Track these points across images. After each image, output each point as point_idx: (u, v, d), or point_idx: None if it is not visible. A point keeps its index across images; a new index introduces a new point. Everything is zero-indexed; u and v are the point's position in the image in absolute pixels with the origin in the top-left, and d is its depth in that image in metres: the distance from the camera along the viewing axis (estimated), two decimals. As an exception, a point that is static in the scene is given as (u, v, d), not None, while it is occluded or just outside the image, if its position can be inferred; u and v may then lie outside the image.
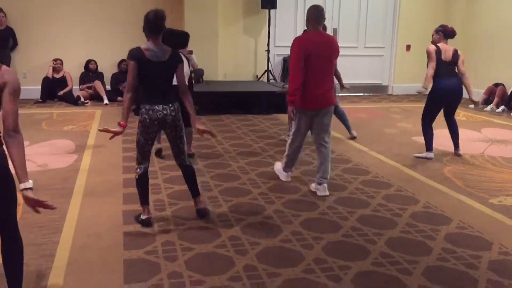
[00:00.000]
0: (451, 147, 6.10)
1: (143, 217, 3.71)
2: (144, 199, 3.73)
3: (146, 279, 2.93)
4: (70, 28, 9.39)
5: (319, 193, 4.46)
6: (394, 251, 3.37)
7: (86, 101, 8.91)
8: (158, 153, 5.51)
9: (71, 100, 8.85)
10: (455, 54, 5.60)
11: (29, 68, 9.34)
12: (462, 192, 4.61)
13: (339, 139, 6.63)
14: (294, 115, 4.44)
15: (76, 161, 5.33)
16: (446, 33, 5.70)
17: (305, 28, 4.76)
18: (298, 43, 4.35)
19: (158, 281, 2.92)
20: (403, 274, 3.07)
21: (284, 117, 7.99)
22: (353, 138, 6.61)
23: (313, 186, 4.58)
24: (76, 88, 9.19)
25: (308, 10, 4.48)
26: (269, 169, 5.16)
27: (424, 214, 4.07)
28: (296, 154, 4.76)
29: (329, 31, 10.45)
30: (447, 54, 5.57)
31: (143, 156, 3.69)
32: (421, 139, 6.61)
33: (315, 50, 4.30)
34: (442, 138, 6.70)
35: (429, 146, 5.75)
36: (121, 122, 3.49)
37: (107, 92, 9.11)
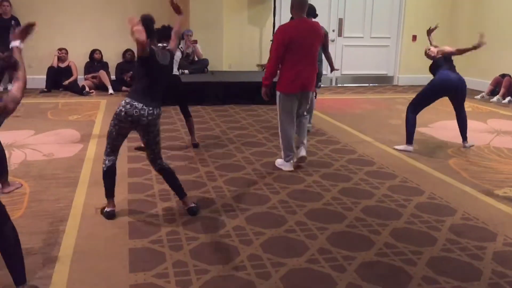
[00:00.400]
0: (455, 138, 6.09)
1: (107, 209, 3.65)
2: (109, 191, 3.67)
3: (151, 268, 2.95)
4: (75, 17, 9.37)
5: (300, 154, 4.86)
6: (399, 241, 3.38)
7: (91, 91, 8.92)
8: (141, 149, 5.29)
9: (76, 89, 8.86)
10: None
11: (34, 58, 9.32)
12: (467, 183, 4.60)
13: (345, 130, 6.62)
14: (268, 96, 4.79)
15: (81, 151, 5.35)
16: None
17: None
18: (281, 31, 4.61)
19: (163, 270, 2.94)
20: (408, 264, 3.07)
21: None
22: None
23: (296, 158, 4.90)
24: (81, 78, 9.19)
25: None
26: (274, 159, 5.16)
27: (428, 205, 4.06)
28: (291, 139, 4.84)
29: (335, 21, 10.45)
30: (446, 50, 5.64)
31: (112, 149, 3.63)
32: (427, 130, 6.60)
33: (299, 37, 4.51)
34: (447, 130, 6.68)
35: (410, 138, 5.68)
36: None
37: (112, 82, 9.11)
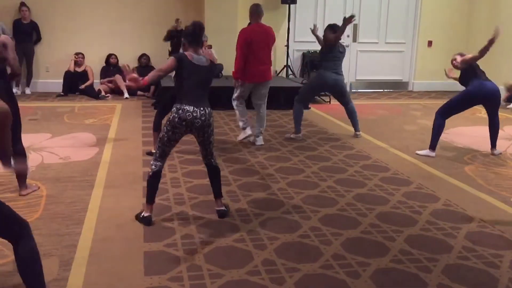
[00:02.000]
0: (472, 145, 6.03)
1: (145, 214, 3.64)
2: (150, 196, 3.65)
3: (166, 271, 2.96)
4: (92, 22, 9.49)
5: (257, 143, 5.93)
6: (414, 248, 3.35)
7: (107, 95, 9.00)
8: (151, 154, 5.29)
9: (92, 93, 8.95)
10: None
11: (51, 62, 9.48)
12: (484, 191, 4.55)
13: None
14: (238, 85, 5.86)
15: (97, 154, 5.40)
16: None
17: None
18: (244, 33, 5.75)
19: (177, 273, 2.95)
20: (423, 271, 3.05)
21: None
22: (356, 137, 6.46)
23: (251, 139, 5.99)
24: (97, 82, 9.29)
25: (250, 7, 5.87)
26: (288, 165, 5.17)
27: (444, 212, 4.03)
28: (245, 112, 6.01)
29: (349, 27, 10.33)
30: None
31: (161, 154, 3.64)
32: (443, 136, 6.48)
33: (256, 38, 5.67)
34: (464, 136, 6.63)
35: (433, 143, 5.66)
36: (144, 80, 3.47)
37: (127, 86, 9.19)
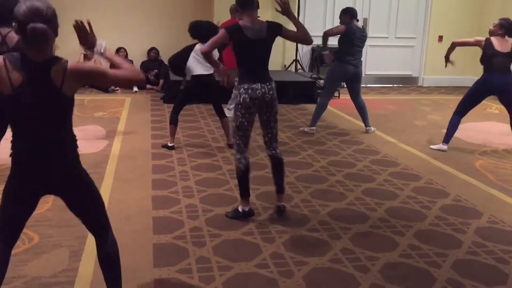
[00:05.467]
0: (483, 140, 5.99)
1: (245, 208, 3.62)
2: (245, 190, 3.62)
3: (174, 263, 2.98)
4: (101, 16, 9.49)
5: None
6: (423, 243, 3.34)
7: (116, 88, 9.02)
8: (166, 147, 5.36)
9: (102, 87, 8.98)
10: None
11: (61, 56, 9.49)
12: (494, 186, 4.52)
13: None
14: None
15: (107, 147, 5.43)
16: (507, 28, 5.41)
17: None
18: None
19: (186, 265, 2.96)
20: (432, 266, 3.04)
21: (311, 107, 7.94)
22: (368, 132, 6.43)
23: None
24: (106, 76, 9.31)
25: None
26: (297, 159, 5.16)
27: (454, 207, 4.01)
28: None
29: (359, 21, 10.29)
30: (503, 46, 5.34)
31: (244, 143, 3.56)
32: (452, 132, 6.49)
33: None
34: (474, 132, 6.57)
35: (447, 138, 5.66)
36: None
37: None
